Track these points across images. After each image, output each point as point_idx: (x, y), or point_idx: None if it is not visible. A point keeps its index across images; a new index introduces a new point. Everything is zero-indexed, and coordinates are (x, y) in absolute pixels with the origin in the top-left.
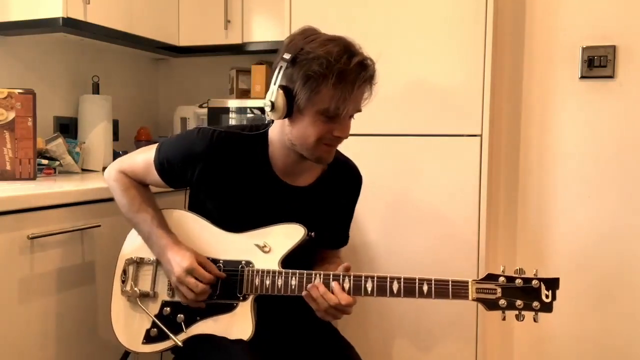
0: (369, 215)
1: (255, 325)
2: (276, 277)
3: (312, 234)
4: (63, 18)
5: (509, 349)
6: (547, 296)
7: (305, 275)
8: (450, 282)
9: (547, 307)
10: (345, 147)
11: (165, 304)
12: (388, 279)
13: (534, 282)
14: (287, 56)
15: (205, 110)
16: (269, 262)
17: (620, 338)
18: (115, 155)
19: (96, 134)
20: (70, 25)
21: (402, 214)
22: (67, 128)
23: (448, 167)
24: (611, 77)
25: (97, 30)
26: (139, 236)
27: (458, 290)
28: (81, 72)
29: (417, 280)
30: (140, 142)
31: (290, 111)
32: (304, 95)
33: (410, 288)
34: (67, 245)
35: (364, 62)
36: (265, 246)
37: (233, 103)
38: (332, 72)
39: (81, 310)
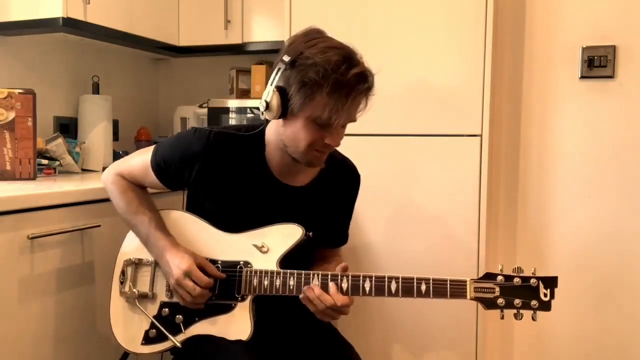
0: (369, 215)
1: (254, 325)
2: (274, 278)
3: (310, 233)
4: (63, 18)
5: (509, 349)
6: (545, 295)
7: (303, 275)
8: (448, 282)
9: (546, 306)
10: (345, 147)
11: (163, 304)
12: (386, 278)
13: (532, 280)
14: (286, 58)
15: (205, 110)
16: (267, 262)
17: (620, 338)
18: (115, 155)
19: (96, 134)
20: (70, 25)
21: (402, 214)
22: (67, 128)
23: (448, 167)
24: (611, 77)
25: (97, 30)
26: None
27: (456, 289)
28: (81, 72)
29: (415, 279)
30: (140, 142)
31: (285, 113)
32: (298, 99)
33: (408, 288)
34: (67, 245)
35: (362, 74)
36: (263, 246)
37: (233, 103)
38: (328, 82)
39: (81, 310)
